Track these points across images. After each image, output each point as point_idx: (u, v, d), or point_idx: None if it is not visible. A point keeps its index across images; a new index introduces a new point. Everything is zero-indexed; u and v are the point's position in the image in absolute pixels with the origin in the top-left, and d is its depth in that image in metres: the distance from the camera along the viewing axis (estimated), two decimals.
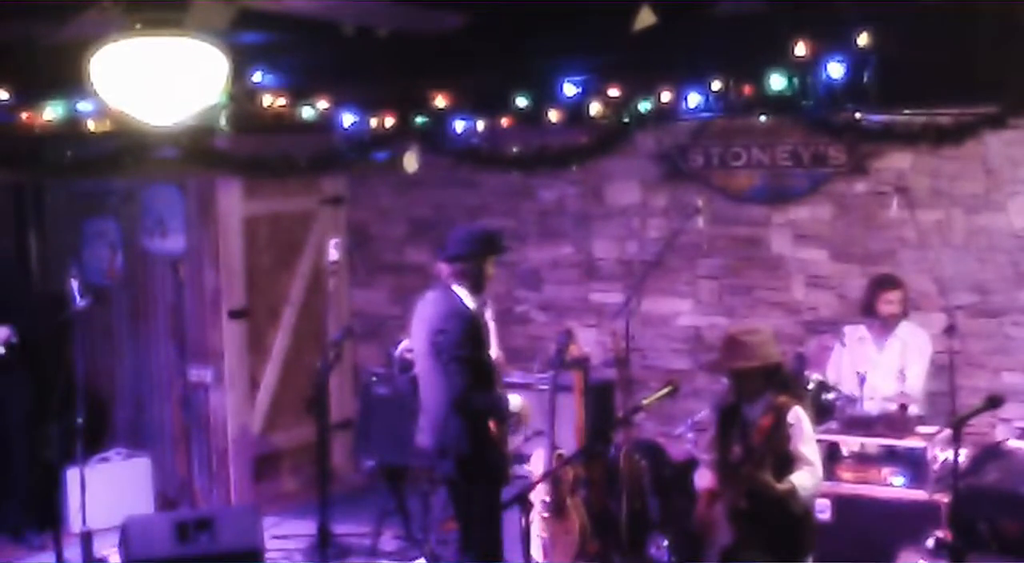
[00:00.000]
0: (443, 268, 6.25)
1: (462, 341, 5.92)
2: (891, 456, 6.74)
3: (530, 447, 7.09)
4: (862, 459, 6.78)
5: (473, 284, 6.09)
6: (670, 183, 8.68)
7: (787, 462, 5.25)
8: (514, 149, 7.30)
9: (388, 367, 8.07)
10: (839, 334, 7.50)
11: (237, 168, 7.67)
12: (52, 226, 9.11)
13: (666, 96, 6.70)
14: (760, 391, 5.38)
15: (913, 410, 7.13)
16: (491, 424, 6.02)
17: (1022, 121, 6.54)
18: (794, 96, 6.37)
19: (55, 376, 7.69)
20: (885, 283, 7.43)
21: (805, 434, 5.31)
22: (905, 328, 7.39)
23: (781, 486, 5.20)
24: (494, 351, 6.62)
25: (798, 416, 5.29)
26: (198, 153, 6.99)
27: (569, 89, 6.81)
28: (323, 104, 7.05)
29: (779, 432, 5.20)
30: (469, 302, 6.07)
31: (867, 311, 7.43)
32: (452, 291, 6.08)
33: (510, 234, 9.18)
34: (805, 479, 5.24)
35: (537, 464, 6.92)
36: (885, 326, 7.37)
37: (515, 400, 6.05)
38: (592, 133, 7.16)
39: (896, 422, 6.91)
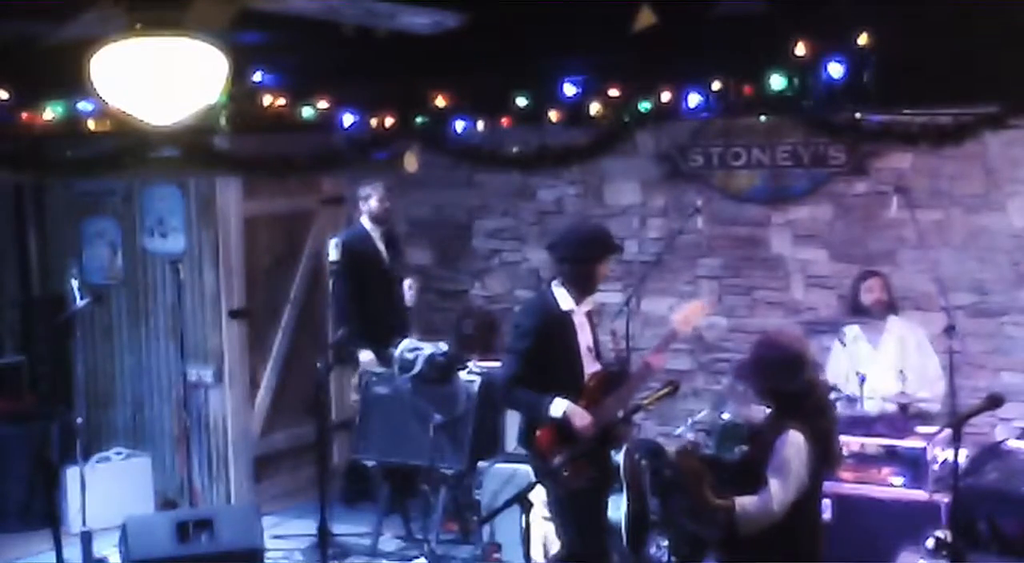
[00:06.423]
0: (553, 266, 6.11)
1: (527, 336, 5.90)
2: (891, 456, 6.73)
3: None
4: (862, 459, 6.77)
5: (581, 287, 6.03)
6: (670, 183, 8.68)
7: (762, 481, 5.08)
8: (514, 149, 7.27)
9: (388, 367, 8.07)
10: (839, 334, 7.50)
11: (237, 168, 7.66)
12: (52, 226, 9.12)
13: (666, 96, 6.67)
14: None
15: (934, 407, 7.14)
16: (536, 428, 5.92)
17: (1022, 121, 6.52)
18: (794, 96, 6.34)
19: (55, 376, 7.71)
20: (863, 275, 7.52)
21: (776, 462, 5.06)
22: (898, 324, 7.41)
23: (718, 501, 5.08)
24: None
25: (785, 441, 5.07)
26: (198, 153, 6.98)
27: (569, 89, 6.78)
28: (323, 104, 7.03)
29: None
30: (565, 303, 6.00)
31: (855, 308, 7.46)
32: (549, 289, 6.07)
33: (510, 234, 9.20)
34: (748, 502, 5.05)
35: None
36: (876, 321, 7.38)
37: (558, 408, 5.85)
38: (592, 133, 7.13)
39: (896, 422, 6.92)
